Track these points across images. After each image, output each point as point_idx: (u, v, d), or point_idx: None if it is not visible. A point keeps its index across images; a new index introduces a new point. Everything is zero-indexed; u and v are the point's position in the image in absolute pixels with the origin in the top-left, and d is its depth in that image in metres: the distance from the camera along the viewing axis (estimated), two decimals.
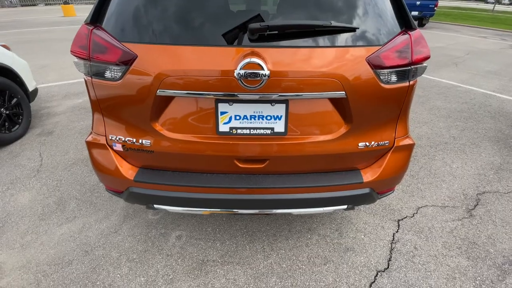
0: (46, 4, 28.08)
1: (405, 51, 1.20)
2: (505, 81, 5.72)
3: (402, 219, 2.15)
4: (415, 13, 13.37)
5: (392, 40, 1.21)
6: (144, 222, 2.09)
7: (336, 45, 1.17)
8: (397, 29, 1.23)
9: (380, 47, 1.19)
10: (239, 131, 1.26)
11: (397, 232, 2.04)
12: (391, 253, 1.88)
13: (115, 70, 1.17)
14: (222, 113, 1.24)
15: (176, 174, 1.37)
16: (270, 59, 1.12)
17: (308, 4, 1.21)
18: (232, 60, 1.12)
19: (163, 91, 1.16)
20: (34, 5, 27.69)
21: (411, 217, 2.18)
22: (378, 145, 1.34)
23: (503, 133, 3.53)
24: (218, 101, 1.21)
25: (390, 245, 1.94)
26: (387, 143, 1.36)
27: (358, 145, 1.31)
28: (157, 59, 1.15)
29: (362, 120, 1.27)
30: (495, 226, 2.11)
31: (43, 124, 3.58)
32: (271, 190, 1.33)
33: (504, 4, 61.75)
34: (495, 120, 3.89)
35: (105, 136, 1.35)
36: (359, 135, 1.30)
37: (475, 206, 2.32)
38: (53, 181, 2.53)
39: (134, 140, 1.30)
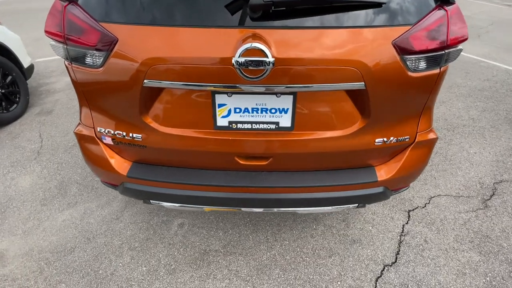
0: None
1: (439, 31, 1.00)
2: None
3: (413, 210, 2.06)
4: None
5: (425, 18, 1.00)
6: (146, 209, 2.05)
7: (356, 25, 0.98)
8: (431, 3, 1.02)
9: (410, 27, 0.99)
10: (239, 125, 1.13)
11: (407, 223, 1.96)
12: (399, 246, 1.81)
13: (95, 56, 1.02)
14: (220, 105, 1.09)
15: (172, 170, 1.27)
16: (275, 43, 0.95)
17: None
18: (230, 45, 0.95)
19: (150, 82, 1.02)
20: None
21: (423, 207, 2.08)
22: (397, 140, 1.19)
23: None
24: (215, 92, 1.06)
25: (399, 237, 1.87)
26: (407, 138, 1.21)
27: (375, 142, 1.17)
28: (141, 44, 0.99)
29: (382, 113, 1.12)
30: (510, 219, 2.00)
31: (43, 103, 3.48)
32: (275, 190, 1.22)
33: None
34: None
35: (93, 128, 1.24)
36: (376, 130, 1.15)
37: (491, 196, 2.20)
38: (53, 164, 2.48)
39: (124, 134, 1.18)
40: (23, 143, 2.75)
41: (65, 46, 1.04)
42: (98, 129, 1.22)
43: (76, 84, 1.15)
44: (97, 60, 1.03)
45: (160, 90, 1.07)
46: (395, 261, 1.72)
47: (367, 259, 1.73)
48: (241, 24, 0.96)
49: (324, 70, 0.98)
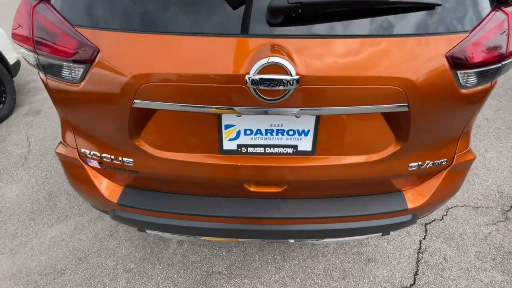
0: None
1: (499, 39, 0.82)
2: None
3: (430, 223, 1.92)
4: None
5: (482, 24, 0.82)
6: None
7: (403, 33, 0.79)
8: (487, 5, 0.84)
9: (467, 34, 0.81)
10: (250, 149, 0.96)
11: (424, 239, 1.82)
12: (417, 265, 1.68)
13: (72, 68, 0.83)
14: (228, 126, 0.92)
15: (169, 197, 1.10)
16: (300, 57, 0.76)
17: None
18: (243, 59, 0.76)
19: (141, 102, 0.83)
20: None
21: (440, 220, 1.94)
22: (433, 164, 1.03)
23: None
24: (220, 113, 0.88)
25: (416, 255, 1.73)
26: (444, 161, 1.05)
27: (408, 167, 1.01)
28: (130, 55, 0.80)
29: (421, 136, 0.95)
30: None
31: (30, 101, 3.27)
32: (290, 221, 1.06)
33: None
34: None
35: (77, 149, 1.06)
36: (412, 154, 0.99)
37: (511, 207, 2.06)
38: (42, 171, 2.31)
39: (113, 157, 1.00)
40: (9, 148, 2.56)
41: (36, 55, 0.85)
42: (82, 151, 1.04)
43: (54, 99, 0.96)
44: (75, 73, 0.84)
45: (153, 110, 0.89)
46: (414, 283, 1.59)
47: (384, 281, 1.60)
48: (257, 32, 0.77)
49: (361, 90, 0.80)
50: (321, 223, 1.06)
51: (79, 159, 1.07)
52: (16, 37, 0.86)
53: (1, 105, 2.93)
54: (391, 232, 1.79)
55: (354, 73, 0.78)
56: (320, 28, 0.78)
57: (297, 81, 0.75)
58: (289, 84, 0.75)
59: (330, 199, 1.09)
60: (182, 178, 1.02)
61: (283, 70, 0.74)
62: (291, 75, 0.74)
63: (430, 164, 1.02)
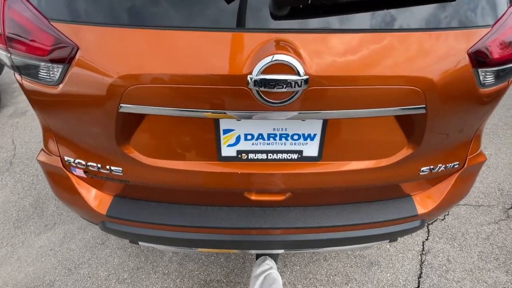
0: None
1: None
2: None
3: (432, 223, 1.88)
4: None
5: (504, 17, 0.75)
6: None
7: (423, 27, 0.71)
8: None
9: (489, 29, 0.74)
10: (251, 156, 0.88)
11: (427, 240, 1.78)
12: (421, 267, 1.64)
13: (49, 68, 0.74)
14: (226, 131, 0.84)
15: (163, 207, 1.01)
16: (310, 54, 0.68)
17: None
18: (244, 57, 0.67)
19: (128, 106, 0.75)
20: None
21: (442, 220, 1.91)
22: (445, 168, 0.97)
23: None
24: (219, 118, 0.80)
25: (419, 257, 1.69)
26: (457, 164, 1.00)
27: (420, 171, 0.95)
28: (115, 54, 0.71)
29: (435, 139, 0.89)
30: None
31: (16, 102, 3.12)
32: (294, 231, 0.99)
33: None
34: None
35: (60, 157, 0.97)
36: (423, 158, 0.92)
37: None
38: (28, 176, 2.19)
39: (100, 166, 0.91)
40: None
41: (9, 55, 0.76)
42: (66, 159, 0.95)
43: (32, 103, 0.87)
44: (53, 74, 0.75)
45: (143, 114, 0.81)
46: (418, 286, 1.55)
47: (388, 285, 1.55)
48: (260, 25, 0.69)
49: (377, 90, 0.72)
50: (326, 232, 1.00)
51: (63, 167, 0.98)
52: None
53: None
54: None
55: (369, 72, 0.71)
56: (332, 21, 0.70)
57: (306, 81, 0.67)
58: (297, 85, 0.67)
59: (336, 207, 1.03)
60: (176, 188, 0.94)
61: (290, 69, 0.66)
62: (299, 75, 0.66)
63: (442, 168, 0.96)
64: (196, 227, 0.97)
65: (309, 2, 0.61)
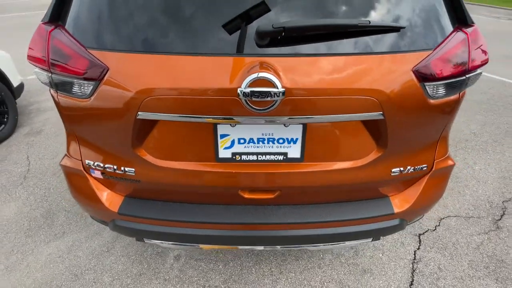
0: None
1: (460, 55, 0.93)
2: None
3: (423, 233, 1.96)
4: None
5: (445, 42, 0.94)
6: None
7: (374, 51, 0.90)
8: (449, 26, 0.96)
9: (430, 52, 0.92)
10: (243, 157, 1.03)
11: (418, 249, 1.85)
12: (413, 275, 1.70)
13: (83, 85, 0.92)
14: (223, 136, 1.00)
15: (168, 206, 1.15)
16: (285, 72, 0.86)
17: None
18: (235, 75, 0.86)
19: (145, 114, 0.92)
20: None
21: (433, 230, 1.98)
22: (414, 170, 1.10)
23: None
24: (217, 123, 0.97)
25: (411, 265, 1.75)
26: (425, 167, 1.13)
27: (391, 172, 1.08)
28: (135, 73, 0.89)
29: (399, 143, 1.03)
30: None
31: (32, 122, 3.34)
32: (283, 226, 1.11)
33: None
34: None
35: (81, 161, 1.12)
36: (393, 160, 1.06)
37: (501, 216, 2.11)
38: (40, 189, 2.33)
39: (115, 167, 1.07)
40: (9, 167, 2.60)
41: (50, 74, 0.94)
42: (86, 162, 1.11)
43: (63, 114, 1.04)
44: (86, 89, 0.93)
45: (155, 121, 0.97)
46: None
47: None
48: (247, 51, 0.88)
49: (340, 100, 0.89)
50: (312, 228, 1.11)
51: (83, 170, 1.13)
52: (32, 59, 0.95)
53: (3, 125, 3.00)
54: (388, 245, 1.83)
55: (333, 86, 0.88)
56: (301, 48, 0.89)
57: (283, 93, 0.85)
58: (276, 96, 0.84)
59: (320, 205, 1.15)
60: (180, 186, 1.08)
61: (270, 84, 0.84)
62: (277, 88, 0.84)
63: (411, 170, 1.09)
64: (197, 222, 1.10)
65: (283, 34, 0.79)
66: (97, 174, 1.11)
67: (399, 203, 1.16)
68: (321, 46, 0.89)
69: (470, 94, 4.15)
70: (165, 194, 1.15)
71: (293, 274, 1.69)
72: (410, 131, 1.02)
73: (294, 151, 1.02)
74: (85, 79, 0.91)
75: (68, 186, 1.25)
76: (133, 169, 1.05)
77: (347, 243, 1.20)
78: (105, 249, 1.84)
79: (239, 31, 0.86)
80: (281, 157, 1.03)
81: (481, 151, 2.84)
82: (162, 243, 1.21)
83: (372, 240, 1.24)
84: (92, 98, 0.93)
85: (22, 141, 2.98)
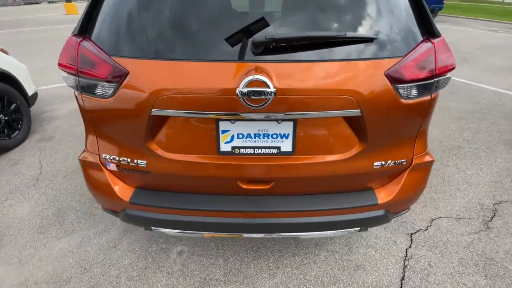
0: (49, 2, 28.12)
1: (428, 62, 1.08)
2: None
3: (415, 233, 2.04)
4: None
5: (414, 50, 1.08)
6: (145, 236, 2.01)
7: (351, 58, 1.05)
8: (419, 37, 1.11)
9: (400, 58, 1.07)
10: (242, 150, 1.16)
11: (410, 247, 1.93)
12: (404, 271, 1.78)
13: (105, 87, 1.08)
14: (224, 131, 1.13)
15: (175, 195, 1.27)
16: (276, 75, 1.01)
17: (317, 7, 1.09)
18: (234, 77, 1.01)
19: (158, 111, 1.07)
20: (37, 3, 27.76)
21: (425, 230, 2.07)
22: (395, 164, 1.23)
23: None
24: (219, 119, 1.11)
25: (403, 262, 1.83)
26: (404, 161, 1.25)
27: (373, 165, 1.20)
28: (151, 76, 1.05)
29: (378, 138, 1.16)
30: None
31: (44, 129, 3.52)
32: (277, 214, 1.23)
33: None
34: (509, 121, 3.72)
35: (98, 155, 1.26)
36: (374, 154, 1.19)
37: (492, 217, 2.19)
38: (52, 190, 2.47)
39: (129, 160, 1.20)
40: (22, 170, 2.75)
41: (77, 78, 1.10)
42: (103, 156, 1.25)
43: (85, 112, 1.19)
44: (108, 90, 1.08)
45: (165, 118, 1.12)
46: (401, 287, 1.68)
47: (372, 286, 1.69)
48: (245, 57, 1.03)
49: (323, 98, 1.04)
50: (304, 216, 1.23)
51: (100, 163, 1.27)
52: (63, 66, 1.11)
53: (17, 131, 3.17)
54: (380, 243, 1.91)
55: (317, 86, 1.03)
56: (289, 55, 1.04)
57: (275, 92, 1.00)
58: (268, 95, 0.99)
59: (312, 196, 1.27)
60: (186, 177, 1.21)
61: (264, 84, 0.99)
62: (270, 88, 0.99)
63: (392, 164, 1.21)
64: (201, 210, 1.22)
65: (274, 44, 0.95)
66: (112, 166, 1.25)
67: (382, 195, 1.27)
68: (306, 54, 1.04)
69: (463, 103, 4.29)
70: (172, 184, 1.27)
71: (290, 269, 1.78)
72: (387, 127, 1.15)
73: (286, 145, 1.15)
74: (108, 81, 1.06)
75: (85, 179, 1.38)
76: (145, 161, 1.19)
77: (338, 232, 1.30)
78: (112, 245, 1.94)
79: (234, 38, 1.01)
80: (275, 151, 1.16)
81: (474, 157, 2.94)
82: (168, 231, 1.33)
83: (360, 230, 1.35)
84: (113, 98, 1.08)
85: (34, 146, 3.14)
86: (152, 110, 1.06)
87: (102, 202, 1.38)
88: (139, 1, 1.08)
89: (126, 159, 1.20)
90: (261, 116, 1.06)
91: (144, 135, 1.12)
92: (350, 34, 1.00)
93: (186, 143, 1.17)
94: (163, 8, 1.07)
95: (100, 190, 1.31)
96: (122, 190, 1.28)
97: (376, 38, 1.05)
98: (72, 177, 2.63)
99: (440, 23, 13.34)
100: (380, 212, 1.26)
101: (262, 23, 0.97)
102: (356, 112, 1.06)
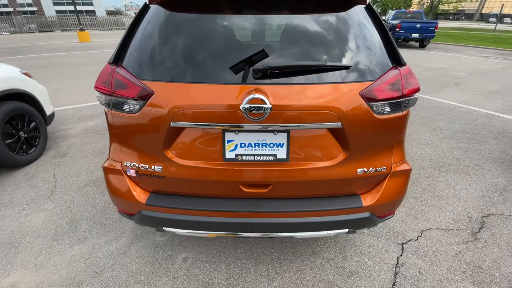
0: (62, 30, 29.82)
1: (396, 84, 1.31)
2: (508, 101, 5.77)
3: (406, 242, 2.16)
4: (415, 35, 13.75)
5: (384, 75, 1.32)
6: (152, 244, 2.15)
7: (332, 81, 1.29)
8: (388, 65, 1.35)
9: (373, 81, 1.30)
10: (244, 157, 1.36)
11: (401, 255, 2.05)
12: (395, 277, 1.89)
13: (133, 104, 1.31)
14: (229, 141, 1.34)
15: (185, 198, 1.46)
16: (272, 95, 1.25)
17: (307, 41, 1.35)
18: (238, 96, 1.24)
19: (176, 123, 1.29)
20: (52, 31, 29.45)
21: (415, 240, 2.19)
22: (376, 171, 1.41)
23: (507, 154, 3.54)
24: (225, 131, 1.32)
25: (394, 269, 1.95)
26: (384, 169, 1.44)
27: (357, 171, 1.39)
28: (171, 95, 1.28)
29: (359, 147, 1.36)
30: (500, 250, 2.10)
31: (58, 146, 3.75)
32: (273, 214, 1.40)
33: (506, 23, 62.76)
34: (498, 141, 3.91)
35: (121, 162, 1.46)
36: (357, 161, 1.38)
37: (479, 229, 2.31)
38: (66, 202, 2.64)
39: (147, 166, 1.40)
40: (38, 183, 2.93)
41: (110, 98, 1.33)
42: (125, 163, 1.45)
43: (112, 126, 1.41)
44: (135, 107, 1.31)
45: (181, 129, 1.34)
46: None
47: None
48: (247, 81, 1.28)
49: (310, 113, 1.27)
50: (297, 216, 1.40)
51: (121, 170, 1.47)
52: (99, 88, 1.35)
53: (34, 148, 3.40)
54: (373, 251, 2.03)
55: (304, 103, 1.26)
56: (283, 79, 1.29)
57: (271, 108, 1.23)
58: (266, 110, 1.22)
59: (304, 199, 1.45)
60: (195, 180, 1.40)
61: (262, 101, 1.22)
62: (267, 104, 1.22)
63: (373, 170, 1.40)
64: (207, 210, 1.39)
65: (269, 71, 1.20)
66: (132, 173, 1.44)
67: (367, 199, 1.45)
68: (296, 78, 1.29)
69: (454, 124, 4.51)
70: (183, 188, 1.46)
71: (288, 275, 1.90)
72: (366, 138, 1.35)
73: (282, 153, 1.36)
74: (135, 99, 1.29)
75: (106, 184, 1.56)
76: (161, 167, 1.39)
77: (328, 232, 1.46)
78: (122, 252, 2.08)
79: (237, 67, 1.25)
80: (272, 158, 1.36)
81: (463, 174, 3.10)
82: (178, 231, 1.49)
83: (348, 232, 1.50)
84: (139, 113, 1.31)
85: (49, 162, 3.35)
86: (171, 122, 1.28)
87: (120, 205, 1.56)
88: (161, 38, 1.35)
89: (145, 165, 1.40)
90: (260, 127, 1.28)
91: (162, 144, 1.34)
92: (329, 63, 1.25)
93: (196, 151, 1.37)
94: (182, 41, 1.34)
95: (120, 194, 1.49)
96: (139, 194, 1.47)
97: (351, 66, 1.30)
98: (85, 190, 2.81)
99: (433, 50, 14.01)
100: (366, 214, 1.43)
101: (261, 54, 1.22)
102: (337, 124, 1.28)
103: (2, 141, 2.95)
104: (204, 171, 1.38)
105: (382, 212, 1.51)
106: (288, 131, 1.32)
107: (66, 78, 7.40)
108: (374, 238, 2.20)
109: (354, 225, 1.47)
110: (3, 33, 27.05)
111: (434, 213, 2.49)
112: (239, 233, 1.48)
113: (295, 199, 1.45)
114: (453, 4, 25.86)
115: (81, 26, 18.70)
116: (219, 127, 1.29)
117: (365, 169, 1.40)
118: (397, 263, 1.99)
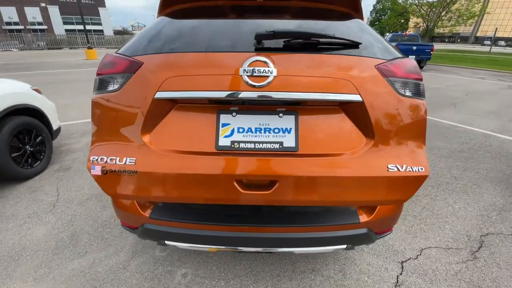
0: (70, 48, 30.78)
1: (412, 66, 1.26)
2: (504, 121, 5.88)
3: (405, 261, 2.17)
4: (412, 57, 14.14)
5: (397, 58, 1.29)
6: (152, 259, 2.15)
7: (344, 53, 1.22)
8: (396, 54, 1.34)
9: (386, 60, 1.25)
10: (241, 145, 1.14)
11: (401, 274, 2.05)
12: None
13: (118, 79, 1.24)
14: (224, 125, 1.17)
15: (188, 211, 1.48)
16: (277, 60, 1.14)
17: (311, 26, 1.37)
18: (238, 60, 1.13)
19: (162, 94, 1.14)
20: (60, 48, 30.40)
21: (415, 258, 2.19)
22: (412, 170, 1.18)
23: (504, 174, 3.58)
24: (220, 111, 1.19)
25: (393, 287, 1.94)
26: (422, 169, 1.22)
27: (387, 167, 1.13)
28: (161, 64, 1.19)
29: (386, 134, 1.15)
30: (499, 269, 2.09)
31: (62, 160, 3.81)
32: (272, 229, 1.41)
33: (500, 46, 64.63)
34: (495, 160, 3.96)
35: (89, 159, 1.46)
36: (385, 154, 1.16)
37: (479, 248, 2.32)
38: (67, 215, 2.66)
39: (117, 159, 1.20)
40: (41, 196, 2.97)
41: (97, 78, 1.36)
42: (91, 158, 1.33)
43: (94, 116, 1.38)
44: (119, 81, 1.25)
45: (166, 107, 1.19)
46: None
47: None
48: (248, 50, 1.19)
49: (321, 82, 1.13)
50: (293, 231, 1.41)
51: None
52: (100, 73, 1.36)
53: (38, 161, 3.46)
54: (372, 270, 2.03)
55: (315, 70, 1.15)
56: (286, 47, 1.20)
57: (275, 73, 1.11)
58: (269, 73, 1.11)
59: (301, 214, 1.45)
60: (177, 176, 1.17)
61: (265, 64, 1.12)
62: (270, 67, 1.12)
63: (409, 169, 1.17)
64: (209, 224, 1.40)
65: (273, 38, 1.13)
66: (97, 170, 1.30)
67: (364, 215, 1.47)
68: (300, 47, 1.19)
69: (451, 143, 4.58)
70: (158, 187, 1.26)
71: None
72: (393, 122, 1.13)
73: (289, 141, 1.14)
74: (122, 73, 1.23)
75: (112, 202, 1.59)
76: (134, 159, 1.20)
77: (326, 248, 1.47)
78: (121, 267, 2.08)
79: (243, 37, 1.22)
80: (277, 146, 1.14)
81: (461, 193, 3.13)
82: (179, 244, 1.51)
83: (346, 248, 1.51)
84: (122, 88, 1.23)
85: (52, 176, 3.40)
86: (157, 93, 1.15)
87: (124, 218, 1.59)
88: (159, 27, 1.39)
89: (114, 158, 1.23)
90: (263, 100, 1.11)
91: (141, 127, 1.19)
92: (337, 35, 1.20)
93: (183, 137, 1.18)
94: (179, 22, 1.40)
95: (125, 208, 1.53)
96: (144, 207, 1.50)
97: (361, 44, 1.24)
98: (87, 204, 2.84)
99: (429, 71, 14.37)
100: (363, 231, 1.44)
101: (267, 30, 1.12)
102: (356, 97, 1.11)
103: (9, 154, 3.02)
104: (188, 161, 1.12)
105: (379, 228, 1.53)
106: (296, 113, 1.15)
107: (72, 94, 7.59)
108: (373, 256, 2.20)
109: (352, 241, 1.48)
110: (12, 49, 27.93)
111: (433, 232, 2.50)
112: (239, 248, 1.50)
113: (293, 215, 1.47)
114: (448, 28, 26.76)
115: (89, 45, 19.33)
116: (214, 98, 1.12)
117: (398, 166, 1.13)
118: (397, 282, 1.98)
